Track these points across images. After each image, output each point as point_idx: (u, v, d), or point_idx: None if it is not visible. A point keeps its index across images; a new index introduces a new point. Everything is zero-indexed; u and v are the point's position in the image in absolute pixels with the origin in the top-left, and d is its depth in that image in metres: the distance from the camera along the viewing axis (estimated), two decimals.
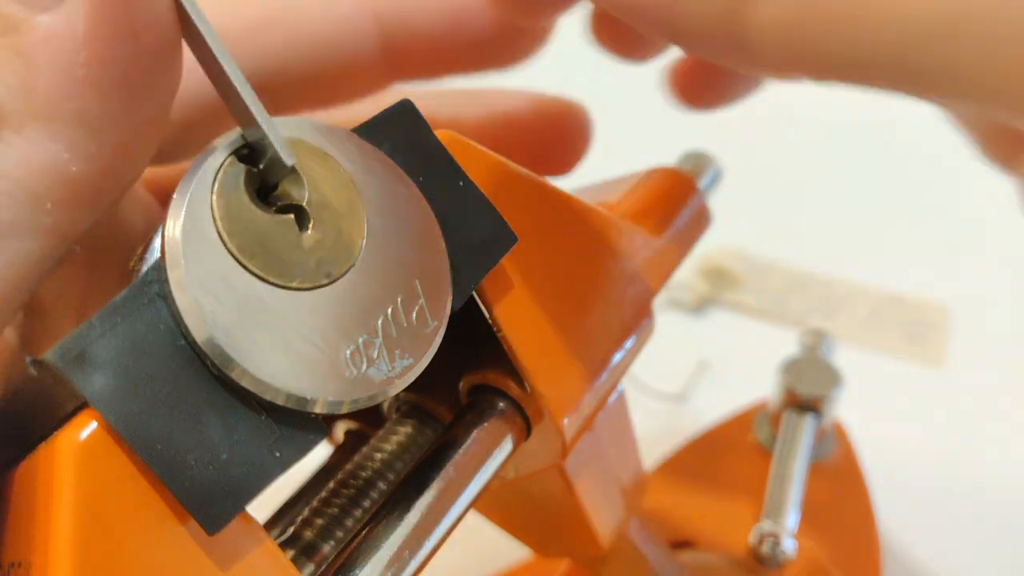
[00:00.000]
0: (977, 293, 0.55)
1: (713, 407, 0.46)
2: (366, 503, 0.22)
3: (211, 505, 0.14)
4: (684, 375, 0.50)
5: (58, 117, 0.14)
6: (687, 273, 0.57)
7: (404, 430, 0.24)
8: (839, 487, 0.40)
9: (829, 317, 0.54)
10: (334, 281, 0.16)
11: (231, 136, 0.16)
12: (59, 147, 0.15)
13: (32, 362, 0.14)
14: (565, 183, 0.24)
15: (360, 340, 0.16)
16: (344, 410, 0.16)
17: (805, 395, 0.39)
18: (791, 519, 0.34)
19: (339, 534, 0.21)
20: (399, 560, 0.20)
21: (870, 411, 0.45)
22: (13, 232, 0.15)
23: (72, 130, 0.15)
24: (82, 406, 0.14)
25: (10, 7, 0.14)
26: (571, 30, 0.30)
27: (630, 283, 0.25)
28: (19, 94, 0.14)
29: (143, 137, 0.16)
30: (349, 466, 0.23)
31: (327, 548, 0.21)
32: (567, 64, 0.79)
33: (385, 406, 0.26)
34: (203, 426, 0.15)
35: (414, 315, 0.17)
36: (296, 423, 0.16)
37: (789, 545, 0.32)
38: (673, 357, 0.50)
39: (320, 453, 0.27)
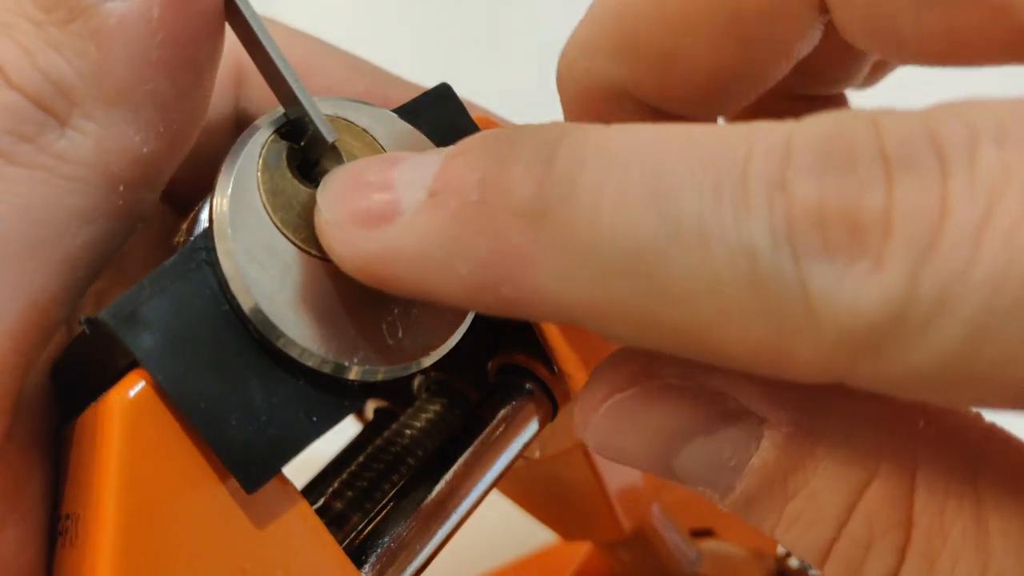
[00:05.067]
0: None
1: None
2: (395, 477, 0.23)
3: (250, 464, 0.15)
4: None
5: (132, 100, 0.15)
6: None
7: (433, 408, 0.25)
8: None
9: None
10: None
11: (274, 114, 0.16)
12: (132, 129, 0.15)
13: (86, 320, 0.15)
14: None
15: (396, 312, 0.17)
16: (379, 377, 0.17)
17: None
18: None
19: (367, 506, 0.22)
20: (424, 534, 0.20)
21: None
22: (92, 217, 0.15)
23: (145, 112, 0.15)
24: (132, 364, 0.15)
25: None
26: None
27: None
28: (92, 79, 0.15)
29: (200, 114, 0.16)
30: (379, 441, 0.24)
31: (355, 519, 0.22)
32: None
33: (415, 385, 0.26)
34: (244, 388, 0.15)
35: None
36: (332, 390, 0.16)
37: None
38: None
39: (350, 430, 0.28)
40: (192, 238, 0.16)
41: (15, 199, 0.15)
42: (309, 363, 0.16)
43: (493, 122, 0.21)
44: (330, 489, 0.23)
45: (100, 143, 0.15)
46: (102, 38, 0.15)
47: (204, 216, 0.18)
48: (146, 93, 0.15)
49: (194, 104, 0.16)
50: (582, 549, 0.36)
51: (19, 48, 0.15)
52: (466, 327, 0.18)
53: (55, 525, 0.17)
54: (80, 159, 0.15)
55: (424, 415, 0.25)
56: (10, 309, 0.15)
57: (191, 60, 0.15)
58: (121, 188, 0.16)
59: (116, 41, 0.15)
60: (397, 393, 0.27)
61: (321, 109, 0.16)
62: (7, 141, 0.15)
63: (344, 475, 0.23)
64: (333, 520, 0.21)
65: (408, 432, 0.24)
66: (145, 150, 0.15)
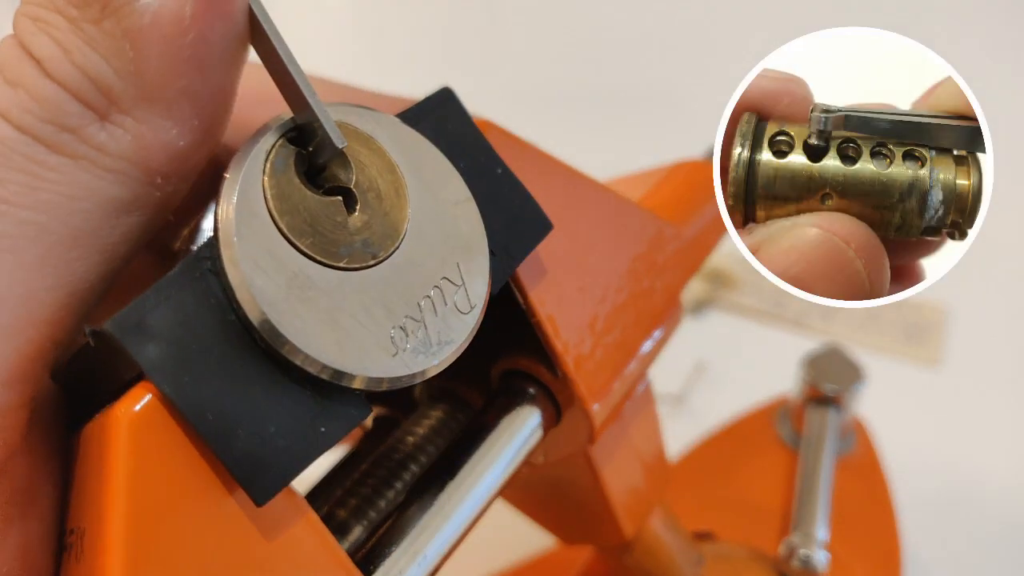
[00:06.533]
0: (975, 294, 0.55)
1: (711, 408, 0.46)
2: (398, 485, 0.23)
3: (260, 477, 0.15)
4: (682, 376, 0.51)
5: (168, 96, 0.15)
6: None
7: (435, 414, 0.25)
8: (860, 483, 0.40)
9: (827, 318, 0.55)
10: (380, 262, 0.16)
11: (282, 118, 0.16)
12: (169, 124, 0.15)
13: (91, 332, 0.14)
14: (594, 175, 0.24)
15: (403, 320, 0.16)
16: (383, 387, 0.16)
17: (827, 390, 0.39)
18: (821, 530, 0.34)
19: (372, 514, 0.22)
20: (431, 542, 0.20)
21: (868, 410, 0.45)
22: (131, 208, 0.16)
23: (180, 107, 0.15)
24: (138, 376, 0.14)
25: None
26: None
27: (659, 273, 0.25)
28: (129, 77, 0.15)
29: (230, 107, 0.16)
30: (382, 448, 0.24)
31: (360, 528, 0.21)
32: (594, 56, 0.80)
33: (416, 391, 0.26)
34: (251, 399, 0.15)
35: (455, 297, 0.17)
36: (340, 400, 0.16)
37: (821, 558, 0.32)
38: (671, 359, 0.50)
39: (351, 437, 0.27)
40: (196, 246, 0.16)
41: (61, 188, 0.15)
42: (311, 370, 0.15)
43: (493, 126, 0.21)
44: (333, 498, 0.22)
45: (138, 138, 0.15)
46: (136, 37, 0.15)
47: (208, 224, 0.17)
48: (180, 89, 0.15)
49: (225, 98, 0.16)
50: (583, 553, 0.36)
51: (55, 44, 0.15)
52: (472, 336, 0.18)
53: (60, 539, 0.16)
54: (120, 152, 0.15)
55: (426, 421, 0.25)
56: (52, 298, 0.15)
57: (221, 57, 0.15)
58: (159, 180, 0.16)
59: (150, 40, 0.15)
60: (398, 400, 0.26)
61: (331, 114, 0.16)
62: (49, 130, 0.15)
63: (347, 483, 0.23)
64: (336, 529, 0.21)
65: (410, 439, 0.24)
66: (181, 144, 0.15)
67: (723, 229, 0.29)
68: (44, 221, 0.15)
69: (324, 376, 0.15)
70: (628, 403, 0.26)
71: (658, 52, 0.78)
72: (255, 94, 0.18)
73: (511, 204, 0.19)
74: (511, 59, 0.81)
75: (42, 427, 0.16)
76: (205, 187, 0.17)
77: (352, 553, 0.20)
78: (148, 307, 0.14)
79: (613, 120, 0.70)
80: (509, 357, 0.23)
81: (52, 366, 0.16)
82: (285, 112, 0.16)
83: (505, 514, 0.30)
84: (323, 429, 0.16)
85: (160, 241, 0.18)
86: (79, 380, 0.17)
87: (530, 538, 0.37)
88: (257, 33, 0.16)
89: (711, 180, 0.30)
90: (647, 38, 0.80)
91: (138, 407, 0.14)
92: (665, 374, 0.50)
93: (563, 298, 0.22)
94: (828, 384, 0.39)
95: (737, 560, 0.33)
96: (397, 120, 0.18)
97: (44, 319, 0.15)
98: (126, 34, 0.15)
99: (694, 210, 0.28)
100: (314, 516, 0.16)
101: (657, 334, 0.25)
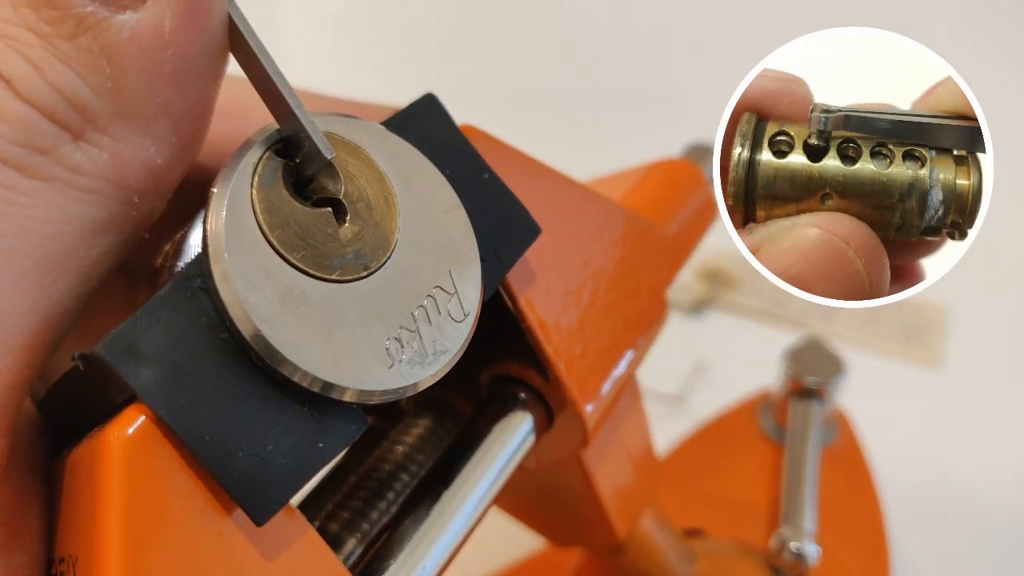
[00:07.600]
0: (975, 294, 0.55)
1: (710, 408, 0.46)
2: (390, 496, 0.22)
3: (259, 496, 0.15)
4: (681, 376, 0.51)
5: (146, 112, 0.15)
6: (685, 274, 0.57)
7: (423, 423, 0.24)
8: (843, 473, 0.41)
9: (827, 318, 0.55)
10: (372, 273, 0.16)
11: (267, 131, 0.16)
12: (147, 141, 0.15)
13: (80, 356, 0.14)
14: (575, 175, 0.24)
15: (398, 330, 0.16)
16: (375, 400, 0.16)
17: (810, 383, 0.40)
18: (811, 522, 0.34)
19: (364, 527, 0.21)
20: (429, 554, 0.20)
21: (867, 410, 0.45)
22: (108, 228, 0.15)
23: (159, 124, 0.15)
24: (130, 399, 0.14)
25: (85, 7, 0.14)
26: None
27: (644, 273, 0.25)
28: (106, 93, 0.14)
29: (208, 122, 0.16)
30: (370, 460, 0.23)
31: (353, 541, 0.21)
32: (578, 55, 0.79)
33: (403, 400, 0.26)
34: (248, 418, 0.15)
35: (448, 306, 0.17)
36: (337, 414, 0.16)
37: (812, 551, 0.32)
38: (670, 358, 0.51)
39: None
40: (183, 264, 0.16)
41: (34, 211, 0.14)
42: (303, 384, 0.15)
43: (478, 131, 0.20)
44: (323, 511, 0.22)
45: (115, 157, 0.15)
46: (115, 53, 0.14)
47: (194, 240, 0.17)
48: (159, 106, 0.15)
49: (203, 113, 0.16)
50: (573, 555, 0.35)
51: (26, 62, 0.14)
52: (467, 344, 0.17)
53: (48, 568, 0.16)
54: (96, 172, 0.15)
55: (414, 430, 0.24)
56: (28, 323, 0.14)
57: (201, 71, 0.15)
58: (136, 199, 0.15)
59: (129, 55, 0.14)
60: (385, 409, 0.26)
61: (318, 124, 0.16)
62: (21, 153, 0.14)
63: (336, 496, 0.22)
64: (330, 543, 0.21)
65: (399, 449, 0.24)
66: (159, 161, 0.15)
67: (705, 227, 0.29)
68: (18, 246, 0.14)
69: (312, 388, 0.15)
70: (618, 404, 0.26)
71: (657, 52, 0.78)
72: (221, 107, 0.18)
73: (499, 209, 0.19)
74: (504, 59, 0.80)
75: (22, 454, 0.16)
76: (178, 202, 0.17)
77: (349, 567, 0.20)
78: (139, 329, 0.14)
79: (611, 121, 0.70)
80: (499, 362, 0.23)
81: (29, 392, 0.16)
82: (270, 124, 0.16)
83: (491, 516, 0.30)
84: (321, 445, 0.15)
85: (130, 259, 0.17)
86: (64, 405, 0.16)
87: (519, 540, 0.37)
88: (238, 44, 0.15)
89: (690, 178, 0.30)
90: (646, 38, 0.80)
91: (131, 430, 0.14)
92: (665, 374, 0.50)
93: (552, 301, 0.22)
94: (810, 377, 0.40)
95: (729, 555, 0.33)
96: (383, 128, 0.18)
97: (20, 345, 0.14)
98: (103, 50, 0.14)
99: (675, 209, 0.28)
100: (314, 533, 0.16)
101: (645, 334, 0.25)
